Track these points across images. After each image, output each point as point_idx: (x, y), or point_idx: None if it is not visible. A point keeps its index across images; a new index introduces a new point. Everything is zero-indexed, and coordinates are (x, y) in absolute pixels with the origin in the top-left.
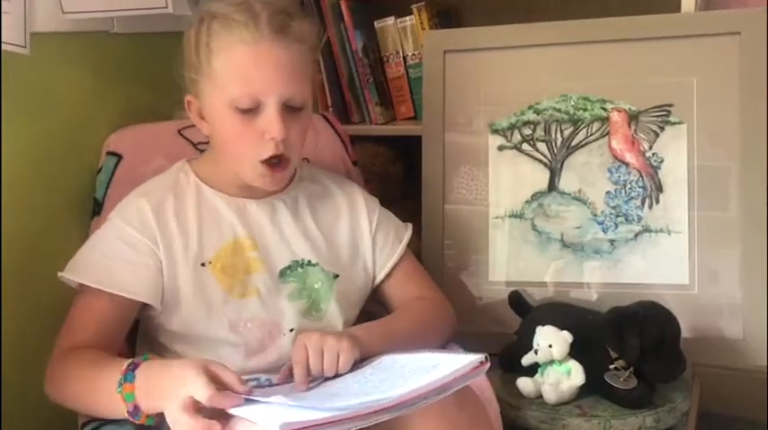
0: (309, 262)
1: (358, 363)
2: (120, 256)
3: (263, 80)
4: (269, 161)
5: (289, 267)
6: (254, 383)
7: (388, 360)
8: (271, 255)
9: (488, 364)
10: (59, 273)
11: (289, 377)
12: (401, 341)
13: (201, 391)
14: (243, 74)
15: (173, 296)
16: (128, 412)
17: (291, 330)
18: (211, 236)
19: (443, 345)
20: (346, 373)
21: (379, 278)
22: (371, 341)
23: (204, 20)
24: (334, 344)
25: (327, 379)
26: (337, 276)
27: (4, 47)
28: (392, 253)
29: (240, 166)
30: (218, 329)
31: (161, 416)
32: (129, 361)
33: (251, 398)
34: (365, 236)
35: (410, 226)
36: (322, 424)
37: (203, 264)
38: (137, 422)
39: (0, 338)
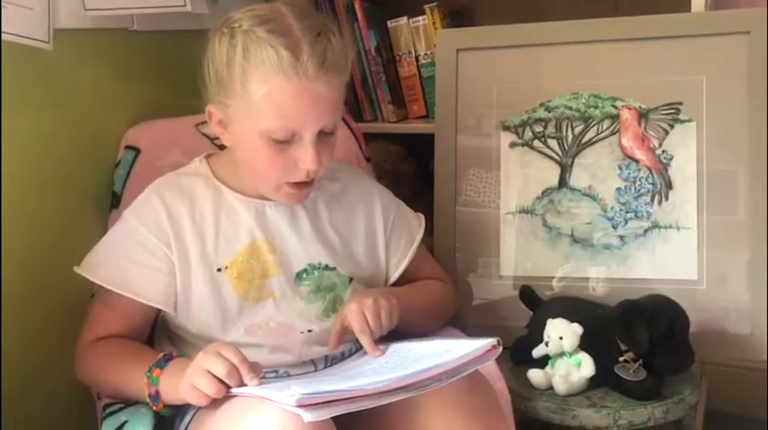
0: (326, 265)
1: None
2: (134, 258)
3: (303, 116)
4: (297, 183)
5: (305, 270)
6: (272, 375)
7: (402, 347)
8: (288, 258)
9: (500, 348)
10: (75, 268)
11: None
12: (418, 316)
13: (218, 366)
14: (282, 109)
15: (186, 300)
16: (149, 396)
17: (310, 331)
18: (228, 239)
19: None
20: (361, 360)
21: (392, 279)
22: (402, 310)
23: (236, 36)
24: (387, 305)
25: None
26: (353, 279)
27: (28, 42)
28: (405, 254)
29: (264, 186)
30: (233, 334)
31: (176, 408)
32: (166, 352)
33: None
34: (380, 237)
35: (422, 220)
36: (337, 400)
37: (219, 270)
38: (154, 408)
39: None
